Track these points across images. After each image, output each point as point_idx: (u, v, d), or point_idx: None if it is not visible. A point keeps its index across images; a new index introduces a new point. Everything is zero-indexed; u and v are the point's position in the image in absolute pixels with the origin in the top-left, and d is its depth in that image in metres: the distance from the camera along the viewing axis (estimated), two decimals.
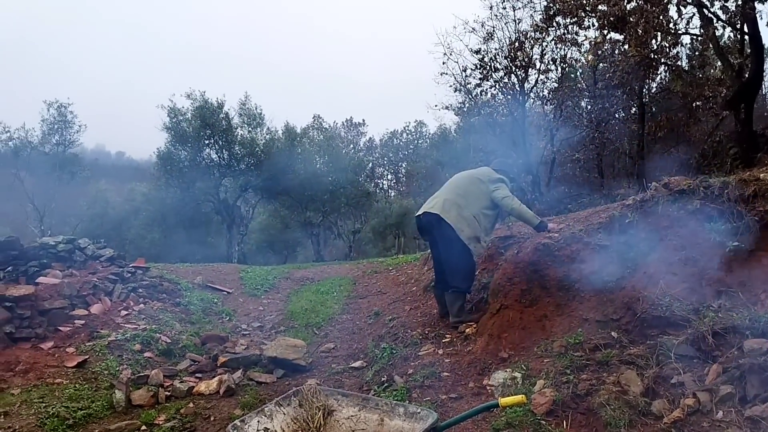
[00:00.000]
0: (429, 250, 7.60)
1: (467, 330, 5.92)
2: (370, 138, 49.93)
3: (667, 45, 13.71)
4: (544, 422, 3.94)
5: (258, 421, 3.23)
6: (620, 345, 4.53)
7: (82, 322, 6.71)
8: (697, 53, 15.59)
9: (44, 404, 4.94)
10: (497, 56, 16.96)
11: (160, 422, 4.95)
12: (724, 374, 3.73)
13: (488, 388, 4.69)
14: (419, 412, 3.21)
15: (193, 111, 24.85)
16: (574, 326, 4.98)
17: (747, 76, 11.77)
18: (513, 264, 5.90)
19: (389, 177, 50.88)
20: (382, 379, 5.32)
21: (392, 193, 46.82)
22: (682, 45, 14.87)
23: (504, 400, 3.04)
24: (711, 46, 12.91)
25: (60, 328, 6.49)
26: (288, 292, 10.04)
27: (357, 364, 6.16)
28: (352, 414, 3.44)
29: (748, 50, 11.90)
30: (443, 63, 18.22)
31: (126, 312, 7.30)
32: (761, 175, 4.79)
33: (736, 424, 3.37)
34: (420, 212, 6.34)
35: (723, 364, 3.79)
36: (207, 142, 25.32)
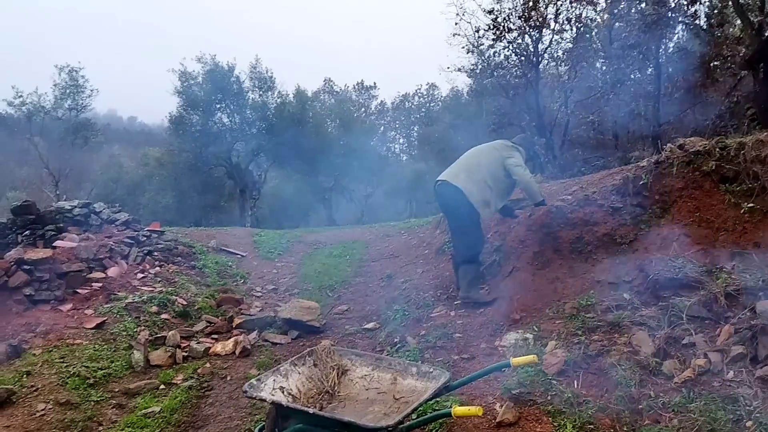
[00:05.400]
0: (440, 213, 7.61)
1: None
2: (382, 101, 49.19)
3: (685, 3, 13.38)
4: (555, 382, 3.98)
5: (274, 380, 3.30)
6: (632, 306, 4.54)
7: (100, 284, 6.81)
8: (715, 11, 15.18)
9: (65, 364, 5.06)
10: (511, 16, 16.66)
11: (178, 381, 5.06)
12: (736, 335, 3.74)
13: (500, 348, 4.74)
14: (432, 372, 3.25)
15: (204, 75, 24.74)
16: (586, 288, 5.00)
17: (767, 34, 11.48)
18: (525, 226, 5.91)
19: (401, 141, 50.39)
20: (395, 340, 5.40)
21: (404, 157, 46.46)
22: (700, 3, 14.51)
23: (516, 360, 3.08)
24: (730, 3, 12.57)
25: (78, 290, 6.60)
26: (301, 256, 10.13)
27: (370, 325, 6.23)
28: (366, 373, 3.49)
29: None
30: (456, 24, 17.94)
31: (142, 275, 7.41)
32: None
33: (746, 383, 3.40)
34: (437, 180, 6.20)
35: (735, 325, 3.81)
36: (218, 106, 25.25)
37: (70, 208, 8.06)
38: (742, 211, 4.48)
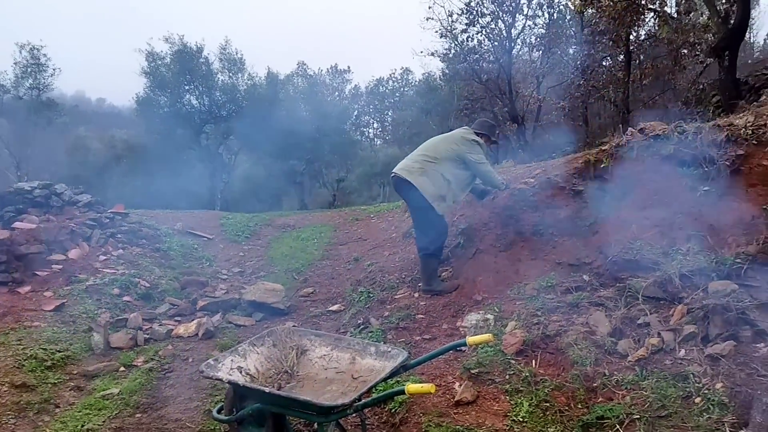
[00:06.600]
0: None
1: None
2: (356, 85, 48.71)
3: None
4: (513, 361, 4.05)
5: (231, 360, 3.28)
6: (591, 288, 4.63)
7: (60, 266, 6.68)
8: None
9: (22, 346, 4.96)
10: (484, 1, 16.67)
11: (139, 364, 5.02)
12: (689, 315, 3.83)
13: (461, 329, 4.79)
14: (390, 351, 3.27)
15: (171, 55, 24.26)
16: (547, 270, 5.07)
17: (733, 22, 11.63)
18: (489, 209, 5.95)
19: (375, 125, 50.16)
20: (359, 321, 5.41)
21: (378, 142, 46.32)
22: None
23: (471, 339, 3.11)
24: None
25: (37, 272, 6.46)
26: (269, 239, 10.06)
27: (335, 307, 6.24)
28: (325, 353, 3.50)
29: None
30: (429, 7, 17.94)
31: (104, 257, 7.28)
32: (736, 120, 4.81)
33: (697, 361, 3.48)
34: (392, 173, 5.95)
35: (688, 305, 3.90)
36: (187, 87, 24.81)
37: (29, 189, 7.85)
38: (698, 194, 4.57)
